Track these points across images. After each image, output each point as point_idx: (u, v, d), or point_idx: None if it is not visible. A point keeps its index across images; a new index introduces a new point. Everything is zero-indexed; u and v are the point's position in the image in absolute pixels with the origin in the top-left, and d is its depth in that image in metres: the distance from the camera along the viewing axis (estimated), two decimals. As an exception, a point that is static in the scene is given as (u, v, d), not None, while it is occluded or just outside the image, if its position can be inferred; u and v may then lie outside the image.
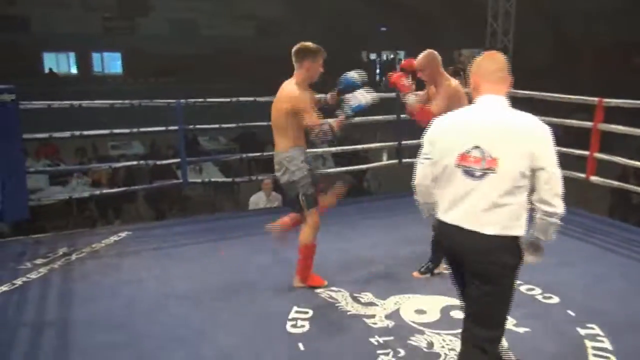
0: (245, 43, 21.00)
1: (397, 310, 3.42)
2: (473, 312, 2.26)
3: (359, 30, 22.50)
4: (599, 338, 3.11)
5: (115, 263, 4.22)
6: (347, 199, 4.46)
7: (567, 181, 2.34)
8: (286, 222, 3.74)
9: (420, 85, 3.89)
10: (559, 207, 2.16)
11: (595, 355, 2.96)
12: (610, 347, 3.01)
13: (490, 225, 2.15)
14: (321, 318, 3.35)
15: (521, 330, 3.17)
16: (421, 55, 3.72)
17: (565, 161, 2.48)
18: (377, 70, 25.07)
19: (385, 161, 7.06)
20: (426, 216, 2.47)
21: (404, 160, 5.88)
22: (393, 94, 5.32)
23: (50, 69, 21.92)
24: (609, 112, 5.02)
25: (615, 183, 5.25)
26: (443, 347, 3.02)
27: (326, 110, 3.64)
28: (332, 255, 3.71)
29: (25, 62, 19.04)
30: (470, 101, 2.43)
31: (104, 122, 5.56)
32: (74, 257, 4.31)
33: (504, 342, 2.45)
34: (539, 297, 3.59)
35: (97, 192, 6.22)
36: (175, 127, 5.19)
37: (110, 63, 23.43)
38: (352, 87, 3.59)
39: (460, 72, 6.59)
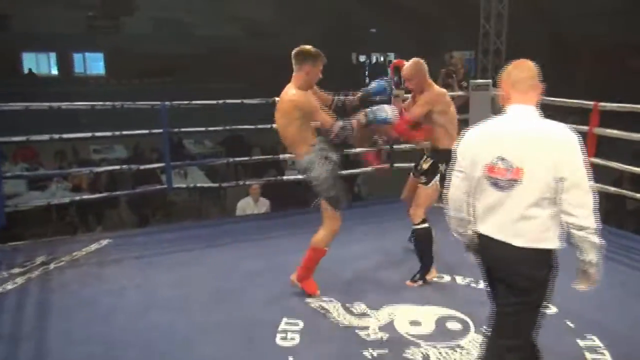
0: (233, 43, 20.76)
1: (392, 322, 3.31)
2: (497, 320, 2.26)
3: (350, 31, 22.43)
4: (599, 350, 3.02)
5: (95, 272, 4.07)
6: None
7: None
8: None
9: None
10: (583, 219, 2.06)
11: (597, 368, 2.87)
12: (611, 360, 2.93)
13: (520, 237, 2.14)
14: (312, 330, 3.22)
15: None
16: (408, 65, 3.75)
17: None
18: (366, 73, 25.04)
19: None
20: (454, 232, 2.40)
21: (395, 165, 5.79)
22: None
23: (30, 70, 21.56)
24: (605, 116, 4.97)
25: (612, 189, 5.17)
26: (440, 360, 2.91)
27: (339, 110, 3.59)
28: (323, 262, 3.60)
29: (3, 62, 18.63)
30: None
31: (85, 124, 5.39)
32: (52, 266, 4.15)
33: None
34: (537, 307, 3.49)
35: (78, 197, 6.08)
36: (160, 130, 5.03)
37: (93, 64, 23.04)
38: (381, 95, 3.63)
39: (452, 75, 6.57)
